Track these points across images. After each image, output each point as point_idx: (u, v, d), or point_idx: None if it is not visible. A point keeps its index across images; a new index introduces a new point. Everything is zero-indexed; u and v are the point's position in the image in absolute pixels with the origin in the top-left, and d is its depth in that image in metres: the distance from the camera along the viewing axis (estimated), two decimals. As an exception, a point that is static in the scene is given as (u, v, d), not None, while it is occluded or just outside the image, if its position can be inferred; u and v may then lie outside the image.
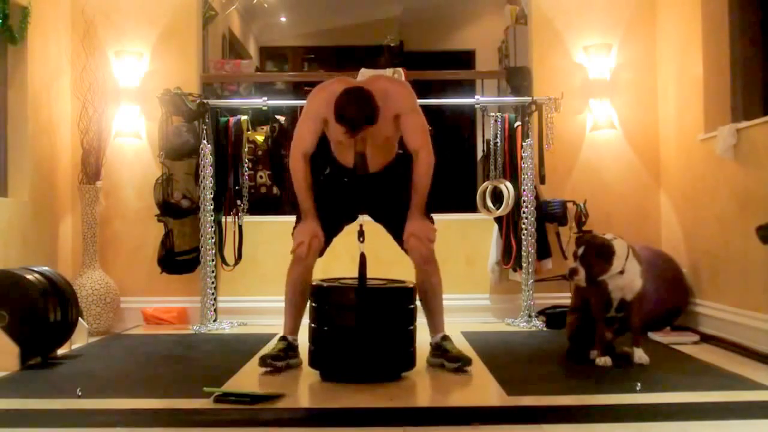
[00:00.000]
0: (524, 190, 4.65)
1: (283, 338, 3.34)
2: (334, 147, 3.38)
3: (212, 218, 4.65)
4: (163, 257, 4.75)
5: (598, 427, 2.53)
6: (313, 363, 3.17)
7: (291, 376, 3.21)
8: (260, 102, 4.86)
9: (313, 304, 3.16)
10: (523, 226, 4.65)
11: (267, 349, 3.40)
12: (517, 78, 5.14)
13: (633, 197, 4.94)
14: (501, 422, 2.57)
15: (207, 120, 4.69)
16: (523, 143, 4.71)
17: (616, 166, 4.96)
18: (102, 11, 4.93)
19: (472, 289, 4.90)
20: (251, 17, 8.68)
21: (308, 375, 3.19)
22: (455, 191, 5.73)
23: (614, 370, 3.21)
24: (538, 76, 5.00)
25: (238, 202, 4.86)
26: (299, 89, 6.98)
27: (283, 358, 3.24)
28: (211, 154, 4.67)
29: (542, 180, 4.74)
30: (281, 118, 5.51)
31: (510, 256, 4.75)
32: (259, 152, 5.62)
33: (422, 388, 3.11)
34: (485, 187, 4.81)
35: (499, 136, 4.87)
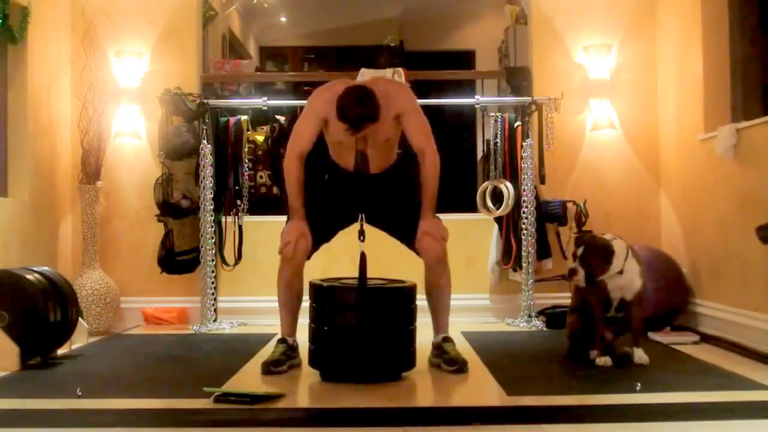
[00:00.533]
0: (524, 190, 4.65)
1: (282, 340, 3.33)
2: (333, 150, 3.37)
3: (212, 218, 4.65)
4: (163, 257, 4.75)
5: (598, 427, 2.53)
6: (313, 363, 3.17)
7: (291, 376, 3.21)
8: (260, 102, 4.86)
9: (314, 304, 3.16)
10: (523, 226, 4.65)
11: (267, 353, 3.39)
12: (517, 78, 5.14)
13: (633, 197, 4.94)
14: (501, 422, 2.57)
15: (207, 120, 4.69)
16: (523, 143, 4.71)
17: (616, 166, 4.96)
18: (102, 11, 4.93)
19: (472, 289, 4.89)
20: (251, 17, 8.68)
21: (308, 375, 3.19)
22: (455, 191, 5.72)
23: (614, 370, 3.21)
24: (538, 76, 5.00)
25: (238, 202, 4.86)
26: (299, 89, 6.98)
27: (284, 362, 3.24)
28: (211, 154, 4.67)
29: (542, 180, 4.74)
30: (281, 118, 5.51)
31: (510, 256, 4.75)
32: (259, 152, 5.63)
33: (422, 388, 3.11)
34: (485, 187, 4.81)
35: (499, 136, 4.87)
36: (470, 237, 5.00)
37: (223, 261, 4.82)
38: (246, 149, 4.94)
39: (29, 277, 3.51)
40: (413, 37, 9.03)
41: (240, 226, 4.86)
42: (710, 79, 4.22)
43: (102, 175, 4.79)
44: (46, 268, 3.75)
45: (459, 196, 5.70)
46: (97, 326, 4.53)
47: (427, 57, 8.87)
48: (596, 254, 3.24)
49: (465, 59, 8.86)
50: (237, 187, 4.85)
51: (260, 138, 5.51)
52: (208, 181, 4.64)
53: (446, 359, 3.25)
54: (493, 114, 4.95)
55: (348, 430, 2.52)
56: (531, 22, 5.13)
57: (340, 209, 3.39)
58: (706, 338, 3.97)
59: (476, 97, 5.01)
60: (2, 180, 4.38)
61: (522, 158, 4.70)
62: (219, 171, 4.75)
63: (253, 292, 4.82)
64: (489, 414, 2.63)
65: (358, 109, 3.03)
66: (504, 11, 6.80)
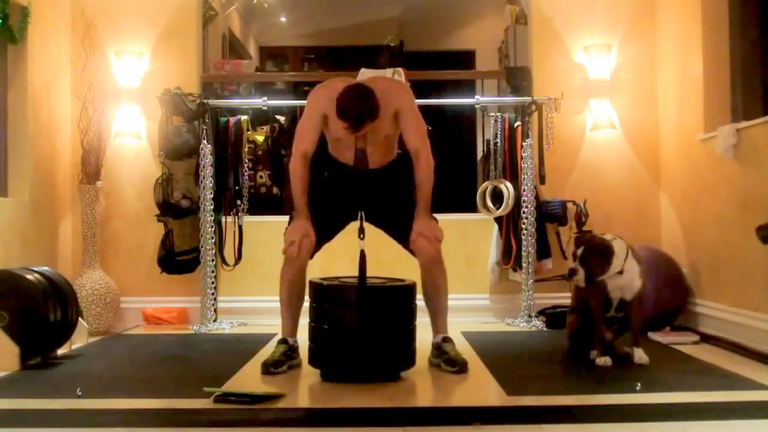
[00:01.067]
0: (524, 190, 4.65)
1: (282, 341, 3.33)
2: (333, 146, 3.38)
3: (212, 218, 4.65)
4: (163, 257, 4.75)
5: (598, 427, 2.53)
6: (313, 361, 3.16)
7: (291, 376, 3.21)
8: (260, 102, 4.86)
9: (313, 304, 3.16)
10: (523, 226, 4.65)
11: (267, 353, 3.39)
12: (517, 78, 5.14)
13: (633, 197, 4.94)
14: (501, 422, 2.57)
15: (207, 120, 4.69)
16: (523, 143, 4.71)
17: (616, 166, 4.96)
18: (102, 11, 4.93)
19: (472, 289, 4.90)
20: (251, 17, 8.68)
21: (308, 375, 3.19)
22: (455, 191, 5.73)
23: (614, 370, 3.21)
24: (538, 76, 5.00)
25: (238, 202, 4.86)
26: (299, 89, 6.98)
27: (284, 363, 3.24)
28: (211, 154, 4.67)
29: (542, 180, 4.74)
30: (281, 118, 5.52)
31: (510, 256, 4.75)
32: (259, 152, 5.63)
33: (422, 388, 3.11)
34: (485, 187, 4.81)
35: (499, 136, 4.87)
36: (470, 237, 5.00)
37: (223, 261, 4.82)
38: (246, 149, 4.93)
39: (29, 277, 3.51)
40: (413, 37, 9.02)
41: (240, 226, 4.86)
42: (710, 79, 4.22)
43: (102, 175, 4.79)
44: (46, 268, 3.75)
45: (459, 196, 5.70)
46: (97, 326, 4.53)
47: (427, 57, 8.86)
48: (596, 254, 3.24)
49: (465, 59, 8.85)
50: (237, 187, 4.85)
51: (260, 138, 5.51)
52: (208, 181, 4.64)
53: (446, 359, 3.25)
54: (493, 114, 4.95)
55: (348, 430, 2.52)
56: (531, 22, 5.13)
57: (341, 205, 3.39)
58: (706, 338, 3.97)
59: (476, 97, 5.01)
60: (2, 180, 4.38)
61: (522, 158, 4.70)
62: (219, 171, 4.75)
63: (253, 292, 4.83)
64: (489, 414, 2.63)
65: (358, 107, 3.04)
66: (504, 11, 6.80)
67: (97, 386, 3.00)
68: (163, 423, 2.58)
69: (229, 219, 4.87)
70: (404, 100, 3.29)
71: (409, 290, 3.19)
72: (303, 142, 3.30)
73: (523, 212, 4.65)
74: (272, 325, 3.90)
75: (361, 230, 3.28)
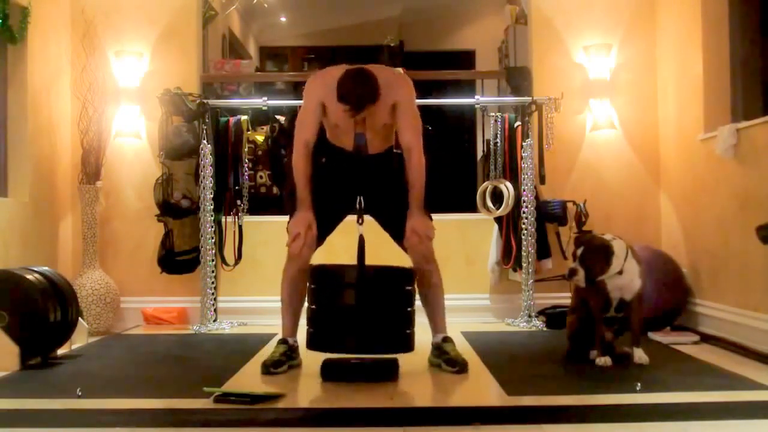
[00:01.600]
0: (524, 190, 4.65)
1: (283, 341, 3.32)
2: (331, 133, 3.37)
3: (212, 218, 4.65)
4: (163, 257, 4.75)
5: (598, 427, 2.53)
6: (311, 345, 3.14)
7: (291, 376, 3.21)
8: (260, 102, 4.86)
9: (312, 285, 3.15)
10: (523, 226, 4.65)
11: (267, 353, 3.39)
12: (517, 78, 5.14)
13: (633, 197, 4.94)
14: (501, 422, 2.57)
15: (207, 120, 4.69)
16: (523, 143, 4.71)
17: (616, 166, 4.96)
18: (102, 11, 4.93)
19: (472, 289, 4.90)
20: (251, 17, 8.68)
21: (308, 375, 3.19)
22: (455, 191, 5.73)
23: (614, 370, 3.21)
24: (538, 76, 5.00)
25: (238, 202, 4.86)
26: (299, 89, 6.96)
27: (284, 363, 3.23)
28: (211, 154, 4.67)
29: (542, 180, 4.74)
30: (281, 118, 5.51)
31: (510, 256, 4.75)
32: (259, 152, 5.62)
33: (422, 388, 3.11)
34: (485, 187, 4.81)
35: (499, 136, 4.87)
36: (470, 237, 5.00)
37: (223, 261, 4.82)
38: (246, 149, 4.94)
39: (29, 277, 3.50)
40: (413, 37, 9.02)
41: (240, 226, 4.86)
42: (710, 79, 4.22)
43: (102, 175, 4.79)
44: (46, 268, 3.75)
45: (459, 196, 5.70)
46: (97, 326, 4.53)
47: (427, 57, 8.87)
48: (596, 254, 3.24)
49: (465, 59, 8.85)
50: (237, 187, 4.85)
51: (260, 138, 5.51)
52: (208, 181, 4.64)
53: (447, 360, 3.24)
54: (493, 114, 4.95)
55: (348, 430, 2.52)
56: (531, 22, 5.13)
57: (340, 191, 3.37)
58: (706, 338, 3.96)
59: (476, 97, 5.01)
60: (2, 180, 4.38)
61: (522, 158, 4.70)
62: (219, 171, 4.75)
63: (253, 292, 4.82)
64: (489, 414, 2.63)
65: (358, 90, 3.06)
66: (504, 11, 6.80)
67: (97, 386, 3.00)
68: (163, 423, 2.58)
69: (229, 219, 4.87)
70: (404, 94, 3.29)
71: (407, 273, 3.17)
72: (304, 132, 3.29)
73: (523, 212, 4.65)
74: (272, 325, 3.90)
75: (360, 216, 3.27)
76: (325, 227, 3.30)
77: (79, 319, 3.82)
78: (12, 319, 3.39)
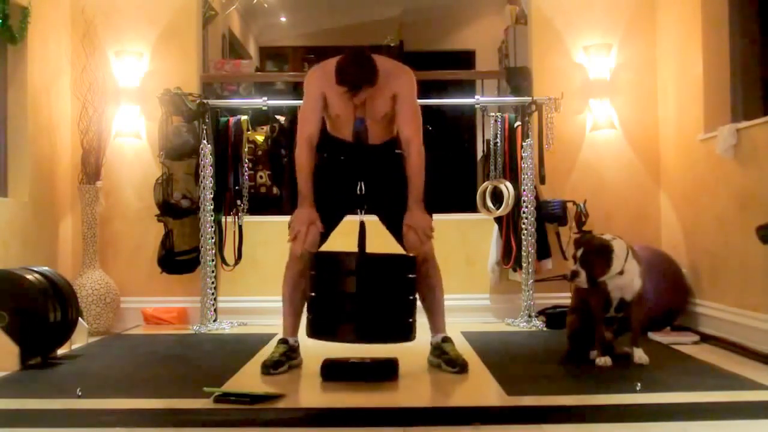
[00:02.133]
0: (524, 190, 4.65)
1: (283, 341, 3.32)
2: (332, 125, 3.36)
3: (212, 218, 4.65)
4: (163, 257, 4.75)
5: (598, 427, 2.53)
6: (310, 331, 3.12)
7: (291, 376, 3.21)
8: (260, 102, 4.86)
9: (313, 272, 3.13)
10: (523, 226, 4.65)
11: (267, 353, 3.39)
12: (517, 78, 5.14)
13: (633, 197, 4.95)
14: (501, 422, 2.57)
15: (207, 120, 4.69)
16: (523, 143, 4.71)
17: (616, 166, 4.96)
18: (102, 11, 4.93)
19: (472, 289, 4.90)
20: (251, 17, 8.68)
21: (308, 375, 3.19)
22: (455, 191, 5.73)
23: (614, 370, 3.21)
24: (538, 76, 5.00)
25: (238, 202, 4.86)
26: (299, 89, 6.96)
27: (283, 363, 3.23)
28: (211, 154, 4.67)
29: (542, 180, 4.74)
30: (281, 118, 5.51)
31: (510, 256, 4.75)
32: (259, 152, 5.62)
33: (422, 388, 3.11)
34: (485, 187, 4.81)
35: (499, 136, 4.87)
36: (470, 237, 5.00)
37: (223, 261, 4.82)
38: (246, 149, 4.94)
39: (29, 277, 3.51)
40: (413, 37, 9.02)
41: (240, 226, 4.86)
42: (710, 79, 4.22)
43: (102, 175, 4.79)
44: (46, 268, 3.75)
45: (459, 196, 5.70)
46: (97, 326, 4.53)
47: (427, 57, 8.85)
48: (597, 255, 3.24)
49: (465, 59, 8.85)
50: (237, 187, 4.85)
51: (260, 138, 5.51)
52: (208, 181, 4.64)
53: (446, 360, 3.24)
54: (493, 114, 4.95)
55: (348, 430, 2.52)
56: (531, 22, 5.13)
57: (341, 184, 3.34)
58: (706, 338, 3.96)
59: (476, 97, 5.01)
60: (2, 180, 4.38)
61: (522, 158, 4.70)
62: (219, 171, 4.75)
63: (253, 292, 4.83)
64: (489, 414, 2.63)
65: (356, 70, 3.07)
66: (504, 11, 6.80)
67: (97, 386, 3.00)
68: (163, 423, 2.58)
69: (229, 219, 4.87)
70: (405, 86, 3.28)
71: (409, 261, 3.14)
72: (307, 126, 3.29)
73: (523, 212, 4.65)
74: (272, 325, 3.90)
75: (362, 204, 3.26)
76: (327, 223, 3.28)
77: (79, 319, 3.82)
78: (12, 319, 3.39)
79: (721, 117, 4.13)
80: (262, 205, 5.38)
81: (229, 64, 5.76)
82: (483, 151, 5.61)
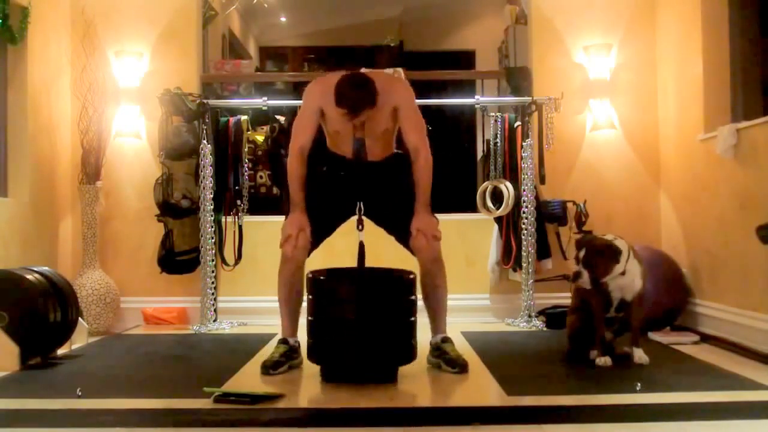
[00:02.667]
0: (524, 190, 4.65)
1: (283, 341, 3.32)
2: (331, 140, 3.38)
3: (212, 218, 4.65)
4: (163, 257, 4.75)
5: (598, 427, 2.53)
6: (311, 356, 3.13)
7: (291, 376, 3.21)
8: (260, 102, 4.86)
9: (310, 297, 3.13)
10: (523, 226, 4.65)
11: (267, 353, 3.39)
12: (517, 78, 5.14)
13: (633, 197, 4.94)
14: (501, 422, 2.57)
15: (207, 120, 4.69)
16: (523, 143, 4.71)
17: (616, 166, 4.96)
18: (102, 11, 4.93)
19: (472, 289, 4.90)
20: (251, 17, 8.68)
21: (308, 375, 3.19)
22: (455, 191, 5.73)
23: (614, 370, 3.21)
24: (538, 76, 5.00)
25: (238, 202, 4.86)
26: (299, 89, 6.96)
27: (283, 363, 3.23)
28: (211, 154, 4.67)
29: (542, 180, 4.74)
30: (281, 118, 5.51)
31: (510, 256, 4.75)
32: (259, 152, 5.62)
33: (422, 388, 3.11)
34: (485, 187, 4.81)
35: (499, 136, 4.87)
36: (470, 237, 5.00)
37: (223, 261, 4.82)
38: (246, 149, 4.93)
39: (29, 277, 3.51)
40: (413, 37, 9.02)
41: (240, 226, 4.86)
42: (710, 79, 4.22)
43: (102, 175, 4.79)
44: (46, 268, 3.75)
45: (459, 196, 5.70)
46: (97, 326, 4.53)
47: (427, 57, 8.86)
48: (600, 256, 3.23)
49: (465, 59, 8.85)
50: (237, 187, 4.85)
51: (260, 138, 5.51)
52: (208, 181, 4.64)
53: (446, 360, 3.24)
54: (493, 114, 4.95)
55: (348, 430, 2.52)
56: (531, 22, 5.13)
57: (339, 199, 3.37)
58: (706, 338, 3.96)
59: (476, 97, 5.01)
60: (2, 180, 4.38)
61: (522, 158, 4.70)
62: (219, 171, 4.75)
63: (253, 292, 4.82)
64: (489, 414, 2.63)
65: (356, 93, 3.07)
66: (504, 11, 6.79)
67: (97, 386, 3.00)
68: (163, 423, 2.58)
69: (229, 219, 4.87)
70: (403, 97, 3.30)
71: (408, 282, 3.13)
72: (300, 138, 3.31)
73: (523, 212, 4.65)
74: (272, 325, 3.90)
75: (360, 222, 3.28)
76: (322, 231, 3.32)
77: (79, 319, 3.82)
78: (12, 319, 3.39)
79: (721, 117, 4.13)
80: (262, 205, 5.38)
81: (229, 64, 5.76)
82: (483, 151, 5.60)
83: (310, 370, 3.19)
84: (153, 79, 4.91)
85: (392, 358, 3.09)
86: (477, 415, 2.57)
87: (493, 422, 2.55)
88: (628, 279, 3.29)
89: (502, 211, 4.69)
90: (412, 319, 3.14)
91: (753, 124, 3.72)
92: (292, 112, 5.43)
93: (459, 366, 3.20)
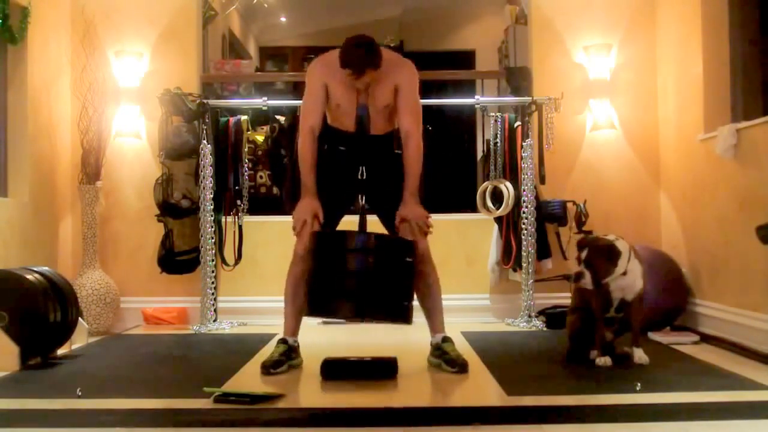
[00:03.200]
0: (524, 190, 4.65)
1: (283, 341, 3.32)
2: (333, 116, 3.37)
3: (212, 218, 4.65)
4: (163, 257, 4.75)
5: (598, 427, 2.53)
6: (309, 308, 3.15)
7: (291, 376, 3.21)
8: (260, 102, 4.86)
9: (312, 248, 3.14)
10: (523, 226, 4.65)
11: (267, 353, 3.39)
12: (517, 78, 5.14)
13: (633, 197, 4.94)
14: (501, 422, 2.57)
15: (207, 120, 4.69)
16: (523, 143, 4.71)
17: (616, 166, 4.96)
18: (102, 11, 4.93)
19: (472, 289, 4.90)
20: (251, 17, 8.68)
21: (308, 375, 3.19)
22: (455, 191, 5.73)
23: (614, 370, 3.21)
24: (538, 76, 5.00)
25: (238, 202, 4.86)
26: (299, 89, 6.98)
27: (283, 363, 3.23)
28: (211, 154, 4.67)
29: (542, 180, 4.74)
30: (281, 118, 5.51)
31: (510, 256, 4.75)
32: (259, 152, 5.63)
33: (422, 388, 3.11)
34: (485, 187, 4.81)
35: (499, 136, 4.87)
36: (470, 237, 5.00)
37: (223, 261, 4.82)
38: (246, 149, 4.94)
39: (29, 277, 3.50)
40: (413, 37, 9.03)
41: (240, 226, 4.86)
42: (710, 79, 4.22)
43: (102, 175, 4.79)
44: (46, 268, 3.75)
45: (459, 196, 5.71)
46: (97, 326, 4.53)
47: (427, 57, 8.82)
48: (602, 257, 3.22)
49: (465, 59, 8.85)
50: (237, 187, 4.85)
51: (260, 138, 5.51)
52: (208, 181, 4.64)
53: (447, 360, 3.24)
54: (493, 114, 4.95)
55: (348, 430, 2.52)
56: (531, 22, 5.13)
57: (342, 173, 3.35)
58: (706, 338, 3.96)
59: (476, 97, 5.01)
60: (2, 180, 4.38)
61: (522, 158, 4.70)
62: (219, 171, 4.75)
63: (253, 292, 4.83)
64: (489, 414, 2.63)
65: (360, 52, 3.10)
66: (504, 11, 6.80)
67: (97, 386, 3.00)
68: (162, 423, 2.58)
69: (229, 219, 4.87)
70: (406, 77, 3.31)
71: (408, 244, 3.15)
72: (309, 117, 3.31)
73: (523, 212, 4.65)
74: (272, 325, 3.90)
75: (363, 191, 3.29)
76: (330, 216, 3.29)
77: (79, 319, 3.82)
78: (12, 319, 3.39)
79: (721, 117, 4.13)
80: (262, 205, 5.38)
81: (229, 64, 5.76)
82: (483, 151, 5.61)
83: (310, 370, 3.19)
84: (153, 79, 4.91)
85: (389, 312, 3.10)
86: (477, 415, 2.57)
87: (493, 422, 2.55)
88: (629, 279, 3.29)
89: (502, 211, 4.69)
90: (409, 282, 3.15)
91: (753, 124, 3.72)
92: (292, 112, 5.43)
93: (459, 366, 3.20)
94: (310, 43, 9.43)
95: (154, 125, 4.85)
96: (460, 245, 4.95)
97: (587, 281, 3.23)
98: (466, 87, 6.89)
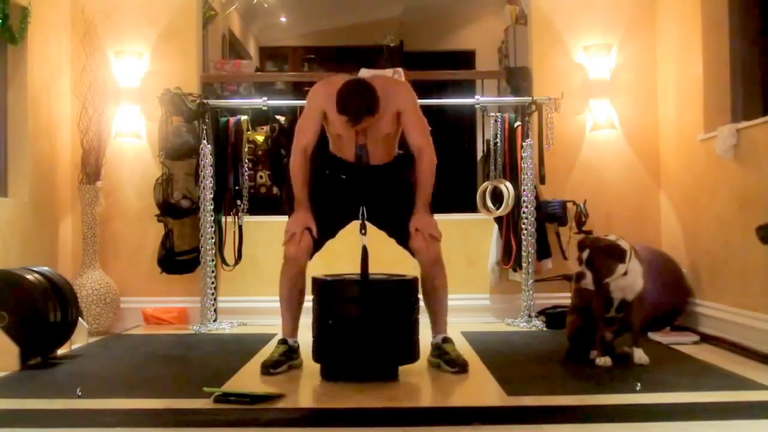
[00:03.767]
0: (524, 190, 4.65)
1: (283, 341, 3.32)
2: (334, 143, 3.39)
3: (212, 218, 4.65)
4: (163, 257, 4.75)
5: (598, 427, 2.53)
6: (317, 358, 3.15)
7: (291, 376, 3.21)
8: (260, 102, 4.86)
9: (316, 299, 3.15)
10: (523, 226, 4.65)
11: (267, 353, 3.39)
12: (517, 78, 5.13)
13: (633, 197, 4.94)
14: (501, 422, 2.57)
15: (207, 120, 4.69)
16: (523, 143, 4.71)
17: (615, 166, 4.96)
18: (102, 11, 4.93)
19: (472, 289, 4.90)
20: (251, 17, 8.68)
21: (308, 375, 3.19)
22: (455, 191, 5.73)
23: (614, 370, 3.21)
24: (538, 76, 5.00)
25: (238, 202, 4.86)
26: (299, 89, 6.98)
27: (283, 363, 3.23)
28: (211, 154, 4.67)
29: (542, 180, 4.74)
30: (281, 118, 5.51)
31: (510, 256, 4.75)
32: (259, 152, 5.63)
33: (422, 388, 3.11)
34: (485, 187, 4.81)
35: (499, 136, 4.87)
36: (470, 237, 5.00)
37: (223, 261, 4.82)
38: (246, 149, 4.94)
39: (29, 277, 3.51)
40: (413, 37, 9.02)
41: (240, 226, 4.86)
42: (710, 79, 4.22)
43: (102, 175, 4.78)
44: (46, 268, 3.75)
45: (459, 196, 5.70)
46: (97, 326, 4.53)
47: (427, 57, 8.86)
48: (604, 257, 3.22)
49: (465, 59, 8.85)
50: (237, 187, 4.85)
51: (260, 138, 5.51)
52: (208, 181, 4.64)
53: (447, 360, 3.24)
54: (493, 114, 4.95)
55: (348, 430, 2.52)
56: (531, 22, 5.13)
57: (341, 203, 3.38)
58: (706, 338, 3.96)
59: (476, 97, 5.01)
60: (2, 180, 4.38)
61: (522, 158, 4.70)
62: (219, 171, 4.75)
63: (253, 292, 4.82)
64: (489, 414, 2.63)
65: (357, 101, 3.08)
66: (504, 11, 6.79)
67: (97, 386, 3.00)
68: (163, 423, 2.58)
69: (229, 219, 4.87)
70: (406, 100, 3.31)
71: (410, 284, 3.17)
72: (303, 138, 3.32)
73: (523, 212, 4.65)
74: (272, 325, 3.90)
75: (363, 226, 3.29)
76: (324, 233, 3.31)
77: (79, 319, 3.82)
78: (12, 319, 3.39)
79: (721, 117, 4.13)
80: (262, 205, 5.38)
81: (229, 64, 5.76)
82: (483, 151, 5.60)
83: (310, 370, 3.19)
84: (153, 79, 4.91)
85: (397, 358, 3.11)
86: (477, 415, 2.57)
87: (493, 422, 2.55)
88: (629, 279, 3.29)
89: (502, 211, 4.69)
90: (414, 318, 3.16)
91: (753, 124, 3.72)
92: (292, 112, 5.44)
93: (459, 366, 3.20)
94: (310, 43, 9.44)
95: (154, 125, 4.85)
96: (461, 245, 4.95)
97: (588, 281, 3.23)
98: (466, 87, 6.89)
